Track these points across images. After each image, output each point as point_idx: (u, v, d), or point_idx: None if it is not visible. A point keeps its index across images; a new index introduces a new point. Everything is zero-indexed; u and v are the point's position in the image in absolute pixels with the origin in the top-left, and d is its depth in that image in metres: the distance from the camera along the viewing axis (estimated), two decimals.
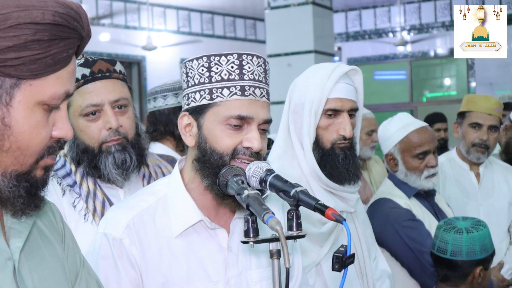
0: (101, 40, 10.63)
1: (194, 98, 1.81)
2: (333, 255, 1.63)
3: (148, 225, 1.81)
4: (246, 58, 1.80)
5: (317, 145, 2.36)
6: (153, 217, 1.83)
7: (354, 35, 12.05)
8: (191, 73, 1.83)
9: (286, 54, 8.15)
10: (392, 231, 3.04)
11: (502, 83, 10.84)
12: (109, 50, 10.60)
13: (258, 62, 1.82)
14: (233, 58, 1.80)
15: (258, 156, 1.80)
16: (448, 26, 11.36)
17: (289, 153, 2.40)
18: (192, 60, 1.84)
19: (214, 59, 1.80)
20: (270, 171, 1.71)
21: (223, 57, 1.80)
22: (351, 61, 11.74)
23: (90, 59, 2.33)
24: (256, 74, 1.80)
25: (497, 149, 4.38)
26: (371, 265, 2.56)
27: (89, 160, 2.32)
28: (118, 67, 2.38)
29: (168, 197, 1.85)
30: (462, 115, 3.89)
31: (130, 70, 11.12)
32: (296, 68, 7.52)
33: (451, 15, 11.30)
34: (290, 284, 1.92)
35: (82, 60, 2.32)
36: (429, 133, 3.21)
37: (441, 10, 11.40)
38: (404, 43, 11.49)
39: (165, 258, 1.80)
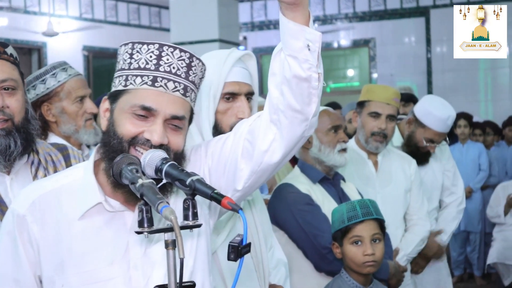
0: None
1: (115, 83, 1.82)
2: (229, 245, 1.62)
3: (54, 205, 1.80)
4: (167, 50, 1.79)
5: (216, 130, 2.37)
6: (61, 198, 1.81)
7: (260, 25, 12.09)
8: (119, 58, 1.83)
9: (191, 43, 8.09)
10: (289, 214, 3.17)
11: (402, 74, 11.14)
12: (7, 35, 10.21)
13: (181, 56, 1.80)
14: (154, 48, 1.79)
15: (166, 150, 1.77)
16: (352, 18, 11.57)
17: (186, 142, 2.38)
18: (122, 46, 1.84)
19: (137, 47, 1.80)
20: (166, 160, 1.69)
21: (145, 46, 1.79)
22: (257, 51, 11.78)
23: None
24: (174, 67, 1.78)
25: (400, 141, 4.49)
26: (267, 254, 2.58)
27: None
28: (10, 50, 2.33)
29: (80, 180, 1.84)
30: (361, 104, 3.96)
31: (30, 56, 10.77)
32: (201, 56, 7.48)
33: (354, 7, 11.51)
34: None
35: None
36: (337, 113, 3.43)
37: (345, 2, 11.59)
38: None
39: (64, 239, 1.78)
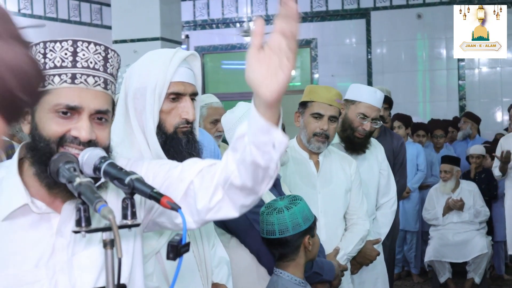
0: None
1: None
2: (168, 244, 1.61)
3: None
4: (82, 45, 1.77)
5: (160, 130, 2.35)
6: None
7: (202, 24, 12.06)
8: None
9: (132, 41, 8.04)
10: (242, 217, 3.06)
11: (343, 75, 11.28)
12: None
13: (96, 50, 1.79)
14: (68, 44, 1.77)
15: (91, 146, 1.75)
16: None
17: (127, 141, 2.36)
18: (31, 46, 1.77)
19: (49, 46, 1.77)
20: (104, 158, 1.68)
21: (58, 44, 1.77)
22: (199, 50, 11.75)
23: None
24: (91, 62, 1.77)
25: (337, 139, 4.53)
26: (210, 252, 2.57)
27: None
28: None
29: (3, 181, 1.79)
30: (304, 105, 3.99)
31: None
32: (142, 55, 7.42)
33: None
34: None
35: None
36: None
37: None
38: (251, 33, 11.60)
39: None
